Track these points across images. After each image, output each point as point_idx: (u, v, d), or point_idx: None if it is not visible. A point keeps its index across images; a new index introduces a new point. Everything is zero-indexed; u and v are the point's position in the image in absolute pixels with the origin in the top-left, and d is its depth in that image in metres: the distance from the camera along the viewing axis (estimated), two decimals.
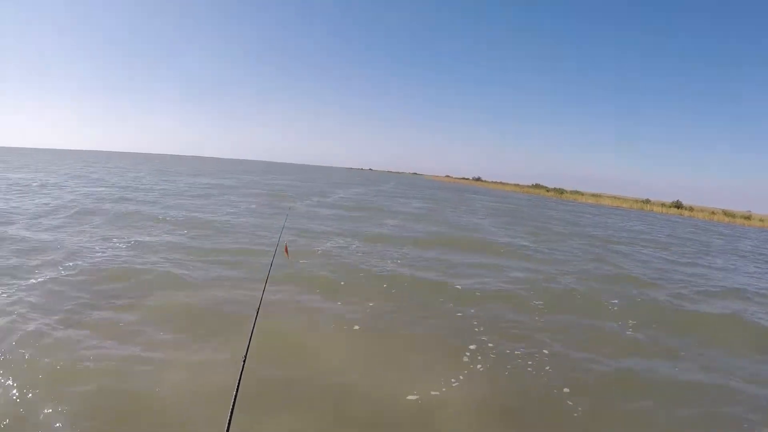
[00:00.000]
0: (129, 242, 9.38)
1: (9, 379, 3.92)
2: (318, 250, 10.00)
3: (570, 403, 4.41)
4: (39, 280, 6.53)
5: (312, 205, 20.93)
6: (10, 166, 35.32)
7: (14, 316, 5.19)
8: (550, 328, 6.41)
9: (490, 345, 5.61)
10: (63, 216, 12.07)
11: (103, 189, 20.57)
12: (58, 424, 3.40)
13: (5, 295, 5.83)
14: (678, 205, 60.54)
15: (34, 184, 20.31)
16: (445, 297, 7.43)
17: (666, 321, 7.43)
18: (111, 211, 13.51)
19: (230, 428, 1.85)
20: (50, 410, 3.55)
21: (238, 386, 2.05)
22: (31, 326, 4.94)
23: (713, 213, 58.78)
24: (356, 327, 5.85)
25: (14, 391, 3.76)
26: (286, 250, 4.16)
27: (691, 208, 60.24)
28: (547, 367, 5.15)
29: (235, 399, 1.97)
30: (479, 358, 5.20)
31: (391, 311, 6.55)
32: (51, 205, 14.00)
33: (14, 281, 6.41)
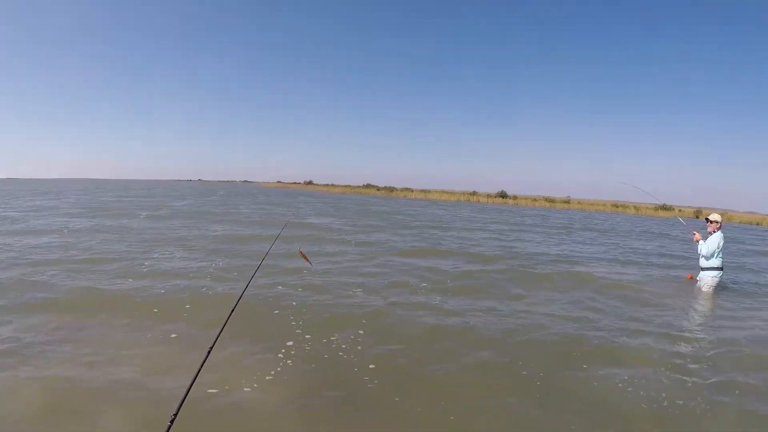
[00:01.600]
0: None
1: None
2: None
3: (367, 378, 4.78)
4: None
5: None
6: None
7: None
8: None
9: (306, 337, 5.86)
10: None
11: None
12: None
13: None
14: (503, 195, 67.89)
15: None
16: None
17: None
18: None
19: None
20: None
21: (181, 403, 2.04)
22: None
23: (535, 200, 67.07)
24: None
25: None
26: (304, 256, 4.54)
27: (515, 197, 67.94)
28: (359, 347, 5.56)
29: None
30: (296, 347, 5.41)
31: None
32: None
33: None
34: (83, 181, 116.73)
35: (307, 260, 4.65)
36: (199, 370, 2.24)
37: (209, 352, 2.44)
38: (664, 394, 4.71)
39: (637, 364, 5.51)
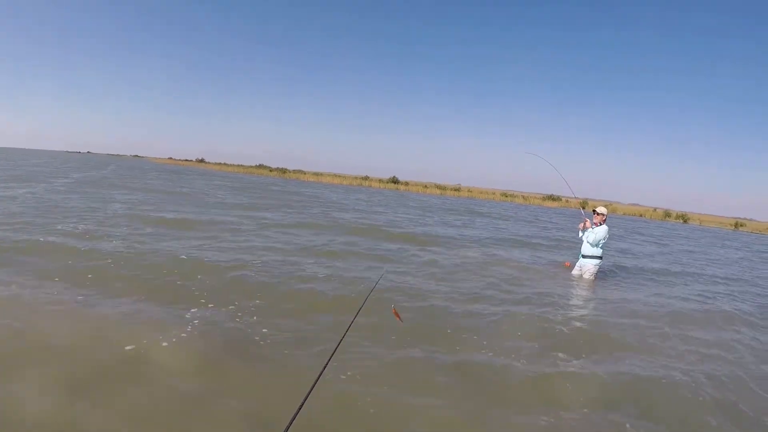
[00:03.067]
0: None
1: None
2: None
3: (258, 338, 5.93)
4: None
5: None
6: None
7: None
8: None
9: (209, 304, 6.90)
10: None
11: None
12: None
13: None
14: (395, 181, 70.51)
15: None
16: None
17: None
18: None
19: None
20: None
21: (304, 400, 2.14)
22: None
23: (426, 186, 70.23)
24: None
25: None
26: (397, 314, 4.40)
27: (406, 183, 70.78)
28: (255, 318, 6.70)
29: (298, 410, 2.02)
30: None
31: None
32: None
33: None
34: None
35: (398, 317, 4.60)
36: (310, 391, 2.20)
37: (321, 373, 2.37)
38: (524, 360, 5.86)
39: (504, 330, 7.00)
